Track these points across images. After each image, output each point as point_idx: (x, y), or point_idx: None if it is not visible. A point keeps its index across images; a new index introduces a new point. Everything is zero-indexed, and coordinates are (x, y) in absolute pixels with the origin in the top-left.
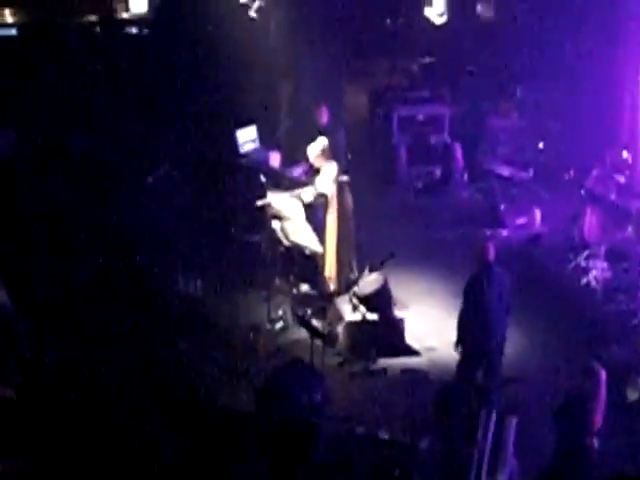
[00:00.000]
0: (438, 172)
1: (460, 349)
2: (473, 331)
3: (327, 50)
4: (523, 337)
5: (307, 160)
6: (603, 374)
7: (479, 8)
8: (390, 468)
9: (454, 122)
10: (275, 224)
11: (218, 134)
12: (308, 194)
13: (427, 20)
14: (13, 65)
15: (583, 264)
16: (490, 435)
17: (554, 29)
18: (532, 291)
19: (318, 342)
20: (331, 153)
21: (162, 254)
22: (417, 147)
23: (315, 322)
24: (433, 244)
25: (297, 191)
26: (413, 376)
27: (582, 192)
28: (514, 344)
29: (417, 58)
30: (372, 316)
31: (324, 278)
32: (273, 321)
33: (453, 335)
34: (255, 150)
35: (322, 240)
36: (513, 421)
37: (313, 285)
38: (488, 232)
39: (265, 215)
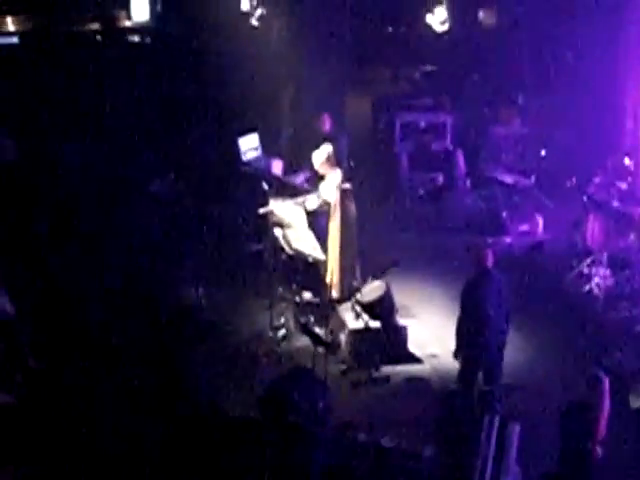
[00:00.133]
0: (440, 179)
1: (460, 357)
2: (471, 338)
3: (329, 58)
4: (526, 344)
5: (311, 167)
6: (606, 381)
7: (481, 16)
8: (393, 476)
9: (456, 129)
10: (277, 232)
11: (221, 142)
12: (313, 202)
13: (429, 28)
14: (14, 73)
15: (585, 271)
16: (493, 442)
17: (556, 37)
18: (534, 298)
19: (321, 350)
20: (335, 160)
21: (164, 262)
22: (419, 154)
23: (318, 330)
24: (436, 251)
25: (301, 199)
26: (416, 384)
27: (584, 199)
28: (517, 351)
29: (419, 66)
30: (375, 324)
31: (326, 285)
32: (276, 329)
33: (454, 342)
34: (257, 158)
35: (324, 247)
36: (516, 428)
37: (316, 293)
38: (490, 239)
39: (267, 223)
